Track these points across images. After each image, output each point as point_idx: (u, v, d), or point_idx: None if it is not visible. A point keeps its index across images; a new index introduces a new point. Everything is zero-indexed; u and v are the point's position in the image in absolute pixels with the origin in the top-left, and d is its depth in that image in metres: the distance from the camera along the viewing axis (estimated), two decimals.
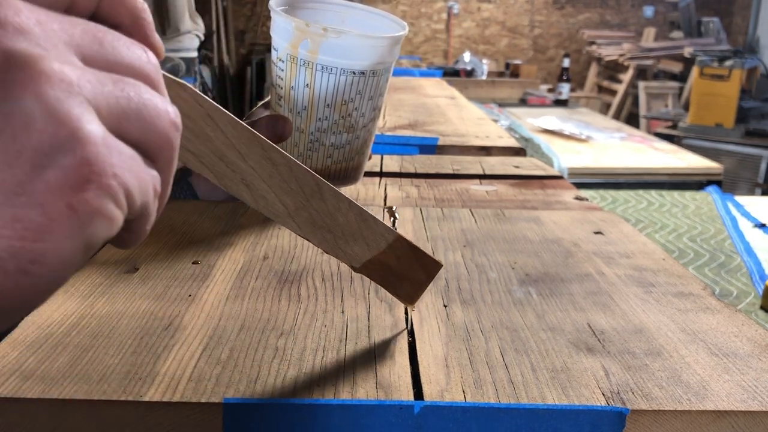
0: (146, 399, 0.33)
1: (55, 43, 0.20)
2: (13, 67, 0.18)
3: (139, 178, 0.21)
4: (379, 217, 0.67)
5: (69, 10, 0.22)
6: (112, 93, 0.21)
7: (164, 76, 0.25)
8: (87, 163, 0.19)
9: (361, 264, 0.37)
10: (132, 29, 0.24)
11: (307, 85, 0.59)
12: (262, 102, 0.71)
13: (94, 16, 0.23)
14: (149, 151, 0.22)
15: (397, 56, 0.63)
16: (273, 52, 0.62)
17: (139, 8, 0.24)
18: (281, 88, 0.61)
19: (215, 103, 0.29)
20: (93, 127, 0.20)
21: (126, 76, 0.22)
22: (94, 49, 0.21)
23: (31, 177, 0.18)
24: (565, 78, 3.48)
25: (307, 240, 0.35)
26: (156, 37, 0.25)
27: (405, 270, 0.39)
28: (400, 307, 0.46)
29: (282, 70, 0.61)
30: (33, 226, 0.18)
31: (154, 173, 0.22)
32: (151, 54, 0.23)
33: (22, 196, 0.18)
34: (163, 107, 0.22)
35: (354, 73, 0.59)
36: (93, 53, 0.21)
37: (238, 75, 5.62)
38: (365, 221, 0.36)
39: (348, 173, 0.65)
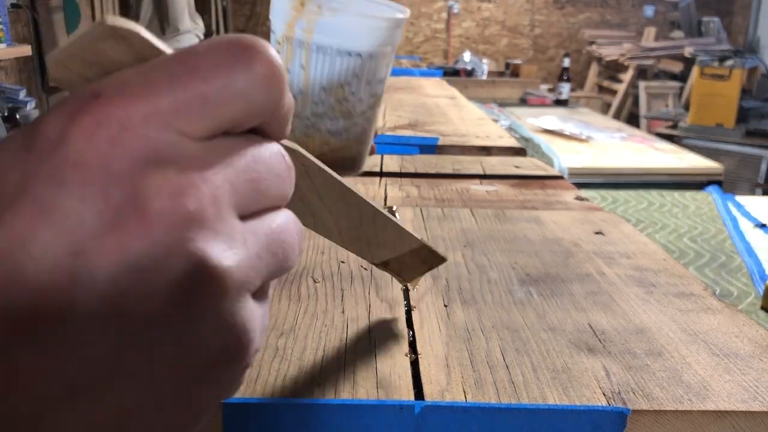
0: None
1: (227, 219, 0.18)
2: (199, 281, 0.16)
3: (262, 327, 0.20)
4: None
5: (228, 131, 0.19)
6: (268, 266, 0.19)
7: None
8: (246, 367, 0.19)
9: (381, 261, 0.39)
10: (273, 132, 0.21)
11: (302, 66, 0.58)
12: None
13: None
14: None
15: (397, 41, 0.61)
16: (272, 36, 0.60)
17: (288, 115, 0.21)
18: None
19: (313, 159, 0.28)
20: (255, 333, 0.18)
21: (271, 210, 0.20)
22: (251, 199, 0.19)
23: (195, 391, 0.18)
24: (565, 78, 3.48)
25: (346, 248, 0.36)
26: (288, 125, 0.22)
27: (416, 264, 0.41)
28: (401, 307, 0.46)
29: (279, 53, 0.59)
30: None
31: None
32: (288, 159, 0.21)
33: (179, 406, 0.17)
34: (299, 245, 0.21)
35: (350, 54, 0.57)
36: (248, 204, 0.19)
37: None
38: (401, 237, 0.38)
39: (346, 162, 0.63)
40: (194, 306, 0.16)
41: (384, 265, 0.40)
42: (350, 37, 0.57)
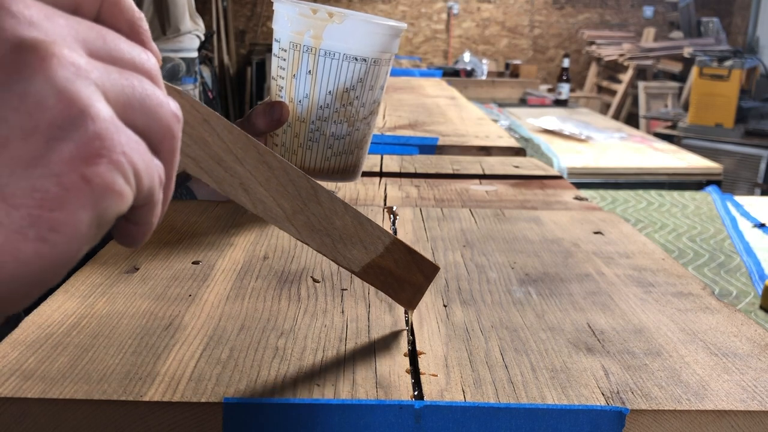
0: (146, 399, 0.33)
1: (63, 35, 0.21)
2: (24, 51, 0.20)
3: (145, 162, 0.22)
4: (379, 218, 0.67)
5: (73, 14, 0.23)
6: (117, 81, 0.22)
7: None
8: (98, 138, 0.20)
9: (360, 268, 0.38)
10: (130, 36, 0.25)
11: (310, 71, 0.60)
12: (263, 102, 0.71)
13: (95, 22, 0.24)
14: (153, 140, 0.23)
15: (396, 50, 0.64)
16: (275, 45, 0.62)
17: (137, 17, 0.25)
18: (282, 79, 0.62)
19: (211, 109, 0.30)
20: (101, 106, 0.21)
21: (128, 70, 0.23)
22: (98, 45, 0.22)
23: (46, 150, 0.19)
24: (564, 78, 3.48)
25: (306, 244, 0.36)
26: (153, 45, 0.26)
27: (404, 273, 0.40)
28: (400, 307, 0.46)
29: (284, 60, 0.61)
30: (50, 195, 0.19)
31: (158, 163, 0.23)
32: (150, 55, 0.24)
33: (39, 168, 0.19)
34: (165, 99, 0.23)
35: (356, 59, 0.59)
36: (97, 48, 0.22)
37: (238, 75, 5.63)
38: (361, 224, 0.37)
39: (348, 168, 0.65)
40: (23, 67, 0.19)
41: (368, 276, 0.38)
42: (357, 42, 0.59)
